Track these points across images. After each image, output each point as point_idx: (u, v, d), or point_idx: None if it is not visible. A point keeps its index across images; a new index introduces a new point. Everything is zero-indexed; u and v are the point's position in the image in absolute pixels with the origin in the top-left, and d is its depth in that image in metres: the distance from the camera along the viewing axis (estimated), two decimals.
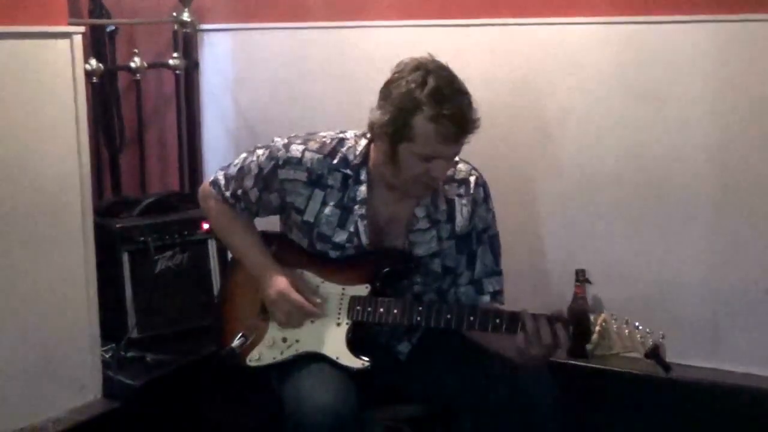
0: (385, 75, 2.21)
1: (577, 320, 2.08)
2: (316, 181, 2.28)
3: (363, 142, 2.29)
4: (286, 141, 2.31)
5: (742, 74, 2.57)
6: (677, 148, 2.67)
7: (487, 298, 2.35)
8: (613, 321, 2.04)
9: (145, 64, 3.20)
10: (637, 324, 2.04)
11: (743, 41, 2.56)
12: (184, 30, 3.31)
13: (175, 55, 3.30)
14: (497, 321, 2.11)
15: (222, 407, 2.71)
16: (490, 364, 2.19)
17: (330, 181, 2.28)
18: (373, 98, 2.21)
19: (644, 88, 2.69)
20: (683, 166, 2.66)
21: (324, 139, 2.31)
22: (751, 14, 2.53)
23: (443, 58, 2.20)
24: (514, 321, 2.08)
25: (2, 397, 2.36)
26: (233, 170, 2.36)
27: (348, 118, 2.44)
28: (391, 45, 2.74)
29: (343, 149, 2.29)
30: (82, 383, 2.56)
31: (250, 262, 2.38)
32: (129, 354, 2.76)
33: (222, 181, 2.37)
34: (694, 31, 2.61)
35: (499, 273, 2.38)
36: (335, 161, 2.28)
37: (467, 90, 2.14)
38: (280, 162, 2.28)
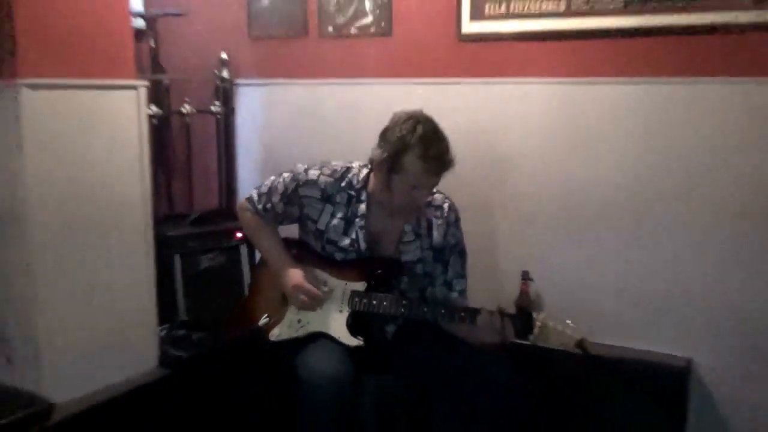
0: (382, 121, 2.28)
1: (523, 317, 2.14)
2: (327, 198, 2.34)
3: (365, 171, 2.35)
4: (306, 167, 2.38)
5: (648, 126, 2.58)
6: (599, 180, 2.67)
7: (455, 294, 2.40)
8: (550, 320, 2.10)
9: (193, 110, 3.21)
10: (568, 321, 2.10)
11: (649, 100, 2.57)
12: (223, 84, 3.32)
13: (216, 103, 3.30)
14: (462, 314, 2.18)
15: (250, 374, 2.68)
16: (455, 345, 2.23)
17: (338, 199, 2.34)
18: (372, 139, 2.28)
19: (575, 135, 2.70)
20: (602, 195, 2.67)
21: (335, 167, 2.37)
22: (652, 77, 2.54)
23: (428, 111, 2.26)
24: (473, 314, 2.15)
25: (84, 364, 2.35)
26: (264, 189, 2.42)
27: (352, 153, 2.47)
28: (386, 98, 2.77)
29: (349, 175, 2.36)
30: (143, 355, 2.56)
31: (273, 260, 2.42)
32: (179, 333, 2.77)
33: (255, 198, 2.43)
34: (613, 91, 2.62)
35: (464, 276, 2.44)
36: (343, 184, 2.35)
37: (446, 137, 2.21)
38: (301, 183, 2.35)
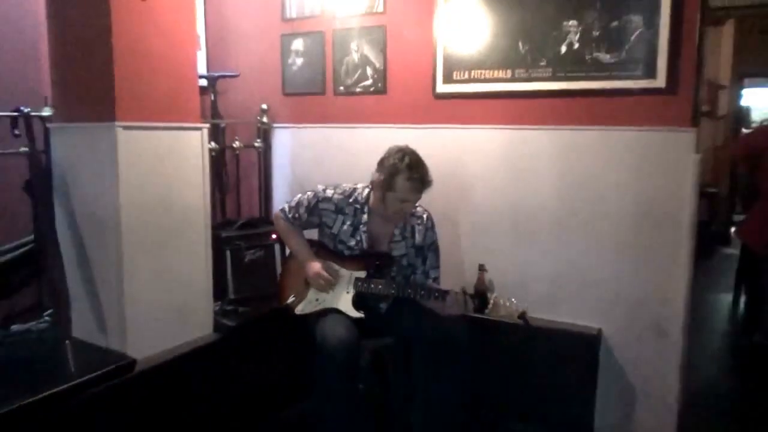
0: (378, 155, 2.33)
1: (480, 296, 2.17)
2: (339, 210, 2.37)
3: (367, 190, 2.38)
4: (324, 187, 2.41)
5: (566, 161, 2.58)
6: (533, 199, 2.66)
7: (431, 280, 2.42)
8: (500, 299, 2.13)
9: (241, 145, 3.20)
10: (513, 299, 2.14)
11: (567, 142, 2.57)
12: (263, 127, 3.32)
13: (258, 140, 3.30)
14: (436, 294, 2.21)
15: (281, 339, 2.72)
16: (431, 315, 2.25)
17: (347, 211, 2.37)
18: (370, 167, 2.32)
19: (516, 167, 2.69)
20: (535, 209, 2.67)
21: (345, 187, 2.40)
22: (570, 126, 2.55)
23: (412, 147, 2.31)
24: (444, 294, 2.19)
25: (158, 329, 2.35)
26: (293, 203, 2.44)
27: (356, 177, 2.49)
28: (381, 138, 2.70)
29: (355, 194, 2.39)
30: (202, 323, 2.55)
31: (299, 254, 2.44)
32: (228, 307, 2.75)
33: (287, 209, 2.45)
34: (542, 135, 2.62)
35: (438, 267, 2.46)
36: (351, 200, 2.37)
37: (426, 164, 2.26)
38: (320, 199, 2.38)
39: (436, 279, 2.44)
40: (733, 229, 6.09)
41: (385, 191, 2.25)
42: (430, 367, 2.21)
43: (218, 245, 2.73)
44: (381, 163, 2.28)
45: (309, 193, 2.42)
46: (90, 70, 2.21)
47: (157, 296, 2.35)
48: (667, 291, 2.43)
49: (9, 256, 2.33)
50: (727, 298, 4.80)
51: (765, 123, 5.82)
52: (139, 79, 2.23)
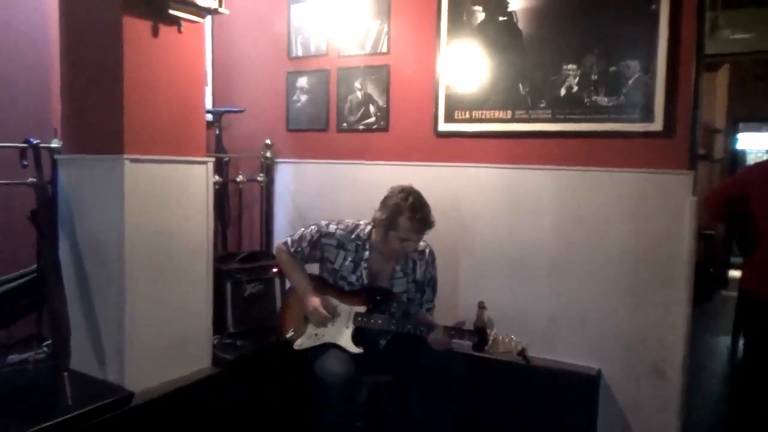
0: (380, 192, 2.34)
1: (480, 333, 2.16)
2: (341, 246, 2.38)
3: (369, 227, 2.39)
4: (327, 222, 2.42)
5: (563, 200, 2.61)
6: (531, 237, 2.68)
7: (423, 310, 2.43)
8: (500, 335, 2.13)
9: (245, 179, 3.23)
10: (512, 336, 2.14)
11: (565, 182, 2.60)
12: (266, 161, 3.34)
13: (261, 175, 3.32)
14: (421, 328, 2.21)
15: (279, 373, 2.70)
16: (429, 351, 2.23)
17: (349, 247, 2.37)
18: (371, 204, 2.33)
19: (516, 205, 2.72)
20: (534, 247, 2.68)
21: (347, 223, 2.41)
22: (567, 166, 2.59)
23: (414, 185, 2.33)
24: (430, 328, 2.19)
25: (156, 362, 2.33)
26: (296, 237, 2.45)
27: (357, 214, 2.51)
28: (383, 175, 2.79)
29: (358, 230, 2.40)
30: (200, 356, 2.53)
31: (300, 288, 2.44)
32: (227, 341, 2.73)
33: (290, 243, 2.46)
34: (541, 175, 2.65)
35: (432, 301, 2.47)
36: (353, 236, 2.38)
37: (428, 204, 2.26)
38: (323, 234, 2.38)
39: (429, 310, 2.45)
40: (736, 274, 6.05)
41: (387, 230, 2.26)
42: (428, 402, 2.20)
43: (219, 278, 2.73)
44: (384, 202, 2.30)
45: (312, 227, 2.44)
46: (100, 104, 2.25)
47: (157, 328, 2.34)
48: (665, 332, 2.43)
49: (10, 285, 2.33)
50: (726, 340, 4.78)
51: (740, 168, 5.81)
52: (147, 114, 2.25)
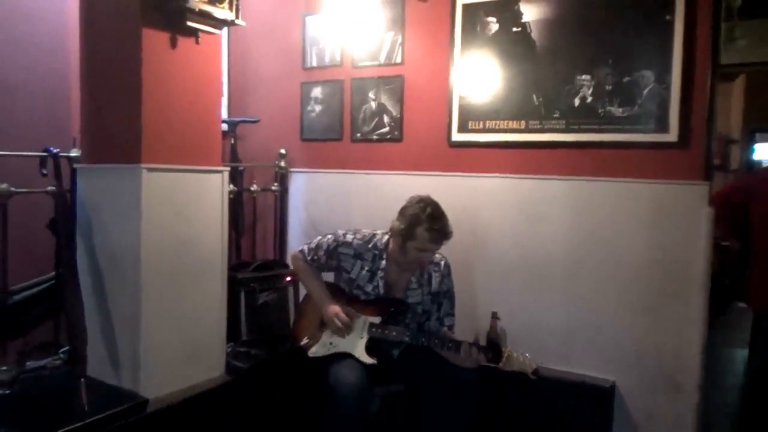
0: (393, 202, 2.33)
1: (494, 348, 2.14)
2: (358, 255, 2.37)
3: (386, 237, 2.38)
4: (344, 232, 2.41)
5: (576, 210, 2.61)
6: (545, 248, 2.68)
7: (445, 328, 2.39)
8: (514, 353, 2.10)
9: (259, 188, 3.26)
10: (527, 354, 2.10)
11: (578, 192, 2.60)
12: (281, 171, 3.37)
13: (275, 184, 3.35)
14: (449, 344, 2.18)
15: (293, 381, 2.66)
16: (442, 362, 2.23)
17: (366, 257, 2.37)
18: (385, 213, 2.33)
19: (529, 215, 2.72)
20: (548, 258, 2.68)
21: (365, 233, 2.40)
22: (581, 176, 2.59)
23: (427, 192, 2.32)
24: (458, 345, 2.15)
25: (171, 370, 2.35)
26: (313, 245, 2.44)
27: (370, 224, 2.51)
28: (397, 185, 2.81)
29: (375, 240, 2.39)
30: (214, 364, 2.54)
31: (316, 296, 2.43)
32: (241, 349, 2.75)
33: (306, 251, 2.46)
34: (554, 185, 2.65)
35: (453, 314, 2.45)
36: (370, 246, 2.37)
37: (446, 215, 2.25)
38: (340, 243, 2.38)
39: (450, 327, 2.42)
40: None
41: (405, 240, 2.25)
42: (441, 413, 2.18)
43: (233, 286, 2.74)
44: (402, 212, 2.29)
45: (329, 236, 2.44)
46: (119, 114, 2.28)
47: (172, 336, 2.35)
48: (681, 344, 2.41)
49: (29, 292, 2.37)
50: (743, 353, 4.71)
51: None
52: (165, 124, 2.29)
